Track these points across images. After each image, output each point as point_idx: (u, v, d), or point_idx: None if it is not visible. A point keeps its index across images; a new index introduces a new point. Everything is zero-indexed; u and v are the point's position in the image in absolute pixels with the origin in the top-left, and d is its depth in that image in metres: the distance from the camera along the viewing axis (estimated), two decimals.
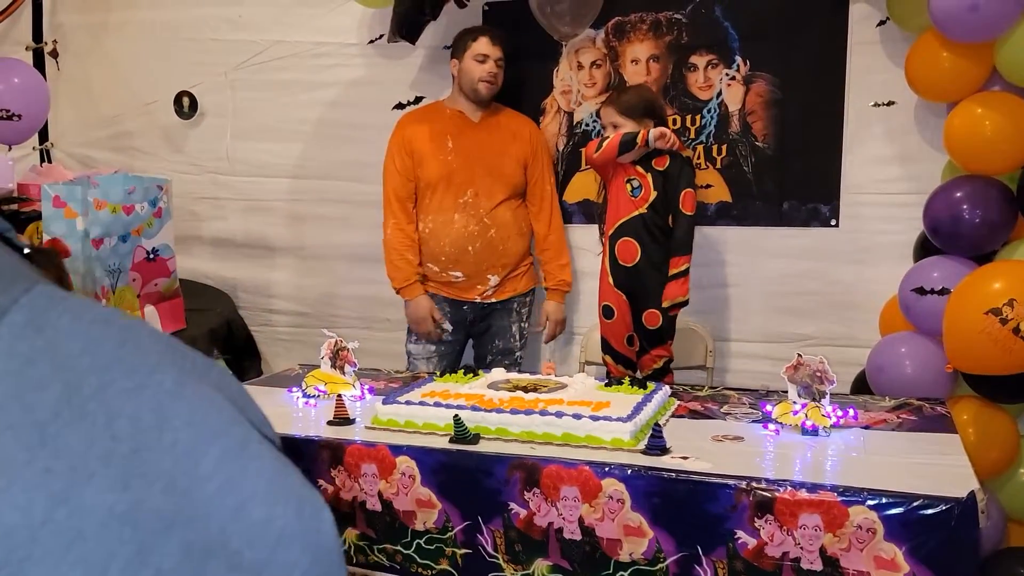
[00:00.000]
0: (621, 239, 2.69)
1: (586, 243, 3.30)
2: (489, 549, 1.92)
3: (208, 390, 0.31)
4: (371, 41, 3.46)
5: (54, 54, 3.92)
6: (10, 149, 3.53)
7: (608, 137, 2.67)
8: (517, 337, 3.25)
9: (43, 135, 3.90)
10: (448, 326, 3.19)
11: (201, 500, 0.28)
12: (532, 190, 3.23)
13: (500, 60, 3.09)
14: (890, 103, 2.91)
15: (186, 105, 3.76)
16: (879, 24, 2.89)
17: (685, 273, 2.66)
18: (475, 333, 3.26)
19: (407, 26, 3.14)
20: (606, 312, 2.76)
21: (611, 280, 2.72)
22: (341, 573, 0.31)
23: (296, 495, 0.31)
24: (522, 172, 3.19)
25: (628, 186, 2.67)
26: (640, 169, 2.67)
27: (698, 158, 3.12)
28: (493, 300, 3.20)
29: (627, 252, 2.68)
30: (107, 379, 0.28)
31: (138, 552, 0.25)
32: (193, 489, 0.28)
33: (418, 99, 3.45)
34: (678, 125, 3.13)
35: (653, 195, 2.65)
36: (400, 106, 3.46)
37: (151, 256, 3.18)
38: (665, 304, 2.65)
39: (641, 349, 2.75)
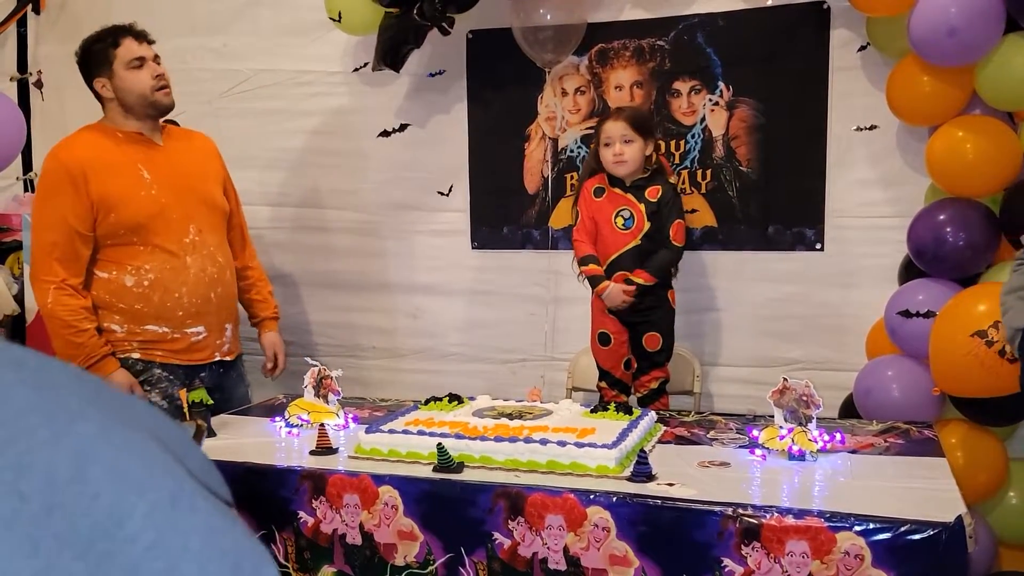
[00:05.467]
0: (617, 272, 2.68)
1: (571, 269, 3.28)
2: None
3: (139, 437, 0.29)
4: (355, 69, 3.46)
5: (39, 84, 3.91)
6: None
7: (581, 223, 2.71)
8: (252, 400, 2.80)
9: (27, 165, 3.87)
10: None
11: (126, 563, 0.25)
12: (233, 217, 2.78)
13: (158, 58, 2.56)
14: (872, 127, 2.92)
15: None
16: (860, 49, 2.91)
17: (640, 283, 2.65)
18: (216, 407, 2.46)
19: (391, 54, 3.14)
20: (602, 339, 2.75)
21: (608, 308, 2.72)
22: None
23: (233, 551, 0.29)
24: (224, 196, 2.74)
25: (619, 219, 2.67)
26: (632, 198, 2.66)
27: (683, 183, 3.12)
28: (228, 358, 2.72)
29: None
30: (19, 429, 0.25)
31: None
32: (116, 551, 0.25)
33: (403, 126, 3.45)
34: (663, 150, 3.13)
35: (647, 226, 2.66)
36: (385, 133, 3.46)
37: None
38: (635, 278, 2.62)
39: (639, 369, 2.75)
